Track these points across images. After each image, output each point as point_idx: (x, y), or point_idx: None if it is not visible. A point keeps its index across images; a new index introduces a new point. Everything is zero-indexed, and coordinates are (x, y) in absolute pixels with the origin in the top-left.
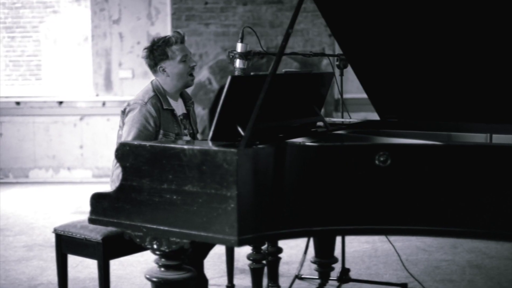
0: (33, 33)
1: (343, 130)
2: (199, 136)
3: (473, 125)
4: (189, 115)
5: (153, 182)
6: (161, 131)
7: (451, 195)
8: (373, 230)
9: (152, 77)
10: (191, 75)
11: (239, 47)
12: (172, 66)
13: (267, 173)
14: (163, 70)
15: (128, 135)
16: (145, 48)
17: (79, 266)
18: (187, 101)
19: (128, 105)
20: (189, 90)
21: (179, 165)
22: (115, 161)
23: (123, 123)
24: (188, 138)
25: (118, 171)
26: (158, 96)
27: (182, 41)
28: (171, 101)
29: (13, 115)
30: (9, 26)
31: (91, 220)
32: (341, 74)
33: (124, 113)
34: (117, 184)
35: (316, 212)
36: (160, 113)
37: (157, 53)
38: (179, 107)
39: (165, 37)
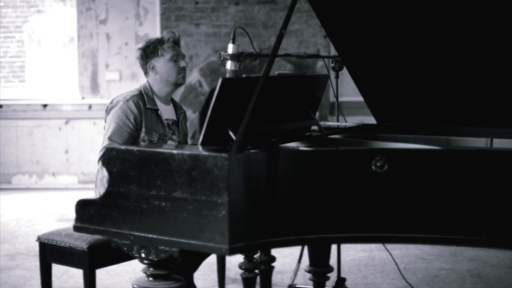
0: (16, 34)
1: (338, 135)
2: (189, 140)
3: (473, 129)
4: (178, 123)
5: (141, 188)
6: (143, 129)
7: (451, 202)
8: (370, 238)
9: (140, 80)
10: (181, 74)
11: (231, 49)
12: (161, 64)
13: (259, 179)
14: (153, 68)
15: (107, 132)
16: (138, 48)
17: (64, 275)
18: (178, 109)
19: (111, 103)
20: (179, 92)
21: (168, 171)
22: (99, 165)
23: (106, 121)
24: (175, 144)
25: (101, 175)
26: (143, 95)
27: (175, 42)
28: (159, 103)
29: None
30: None
31: (76, 228)
32: (337, 77)
33: (107, 111)
34: (101, 189)
35: (310, 219)
36: (141, 111)
37: (149, 50)
38: (168, 112)
39: (159, 37)
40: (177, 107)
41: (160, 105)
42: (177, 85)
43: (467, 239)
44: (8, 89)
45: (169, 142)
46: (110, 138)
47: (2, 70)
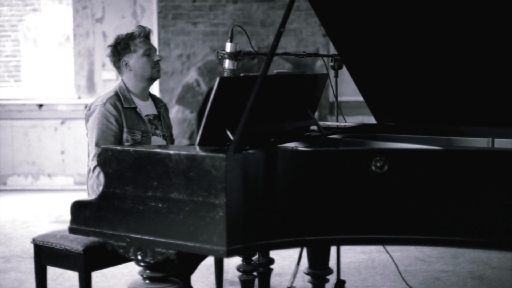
0: (12, 33)
1: (338, 135)
2: (185, 141)
3: (474, 129)
4: (159, 117)
5: (137, 190)
6: (125, 129)
7: (452, 203)
8: (370, 240)
9: None
10: (156, 68)
11: (229, 47)
12: (135, 60)
13: (257, 180)
14: (126, 65)
15: (92, 140)
16: (108, 46)
17: (59, 278)
18: (158, 103)
19: (89, 109)
20: (176, 92)
21: (164, 171)
22: (90, 173)
23: (87, 129)
24: (160, 138)
25: (92, 182)
26: (119, 95)
27: (146, 36)
28: (137, 100)
29: None
30: None
31: (71, 230)
32: (336, 76)
33: (85, 119)
34: (92, 195)
35: (309, 220)
36: (120, 111)
37: (120, 47)
38: (148, 107)
39: (129, 32)
40: (156, 100)
41: (138, 102)
42: (152, 79)
43: (468, 241)
44: (3, 89)
45: (154, 138)
46: (97, 145)
47: None
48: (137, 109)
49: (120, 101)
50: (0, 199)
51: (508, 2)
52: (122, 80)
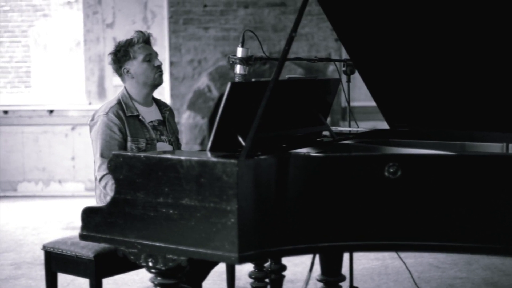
0: (22, 38)
1: (350, 140)
2: (197, 147)
3: (488, 134)
4: (164, 122)
5: (148, 196)
6: (129, 138)
7: (466, 209)
8: (383, 246)
9: None
10: (158, 73)
11: (240, 52)
12: (135, 66)
13: (269, 186)
14: (128, 72)
15: (96, 151)
16: (109, 54)
17: (70, 285)
18: (162, 108)
19: (92, 119)
20: (187, 97)
21: (175, 177)
22: (98, 178)
23: (91, 139)
24: (166, 144)
25: (99, 191)
26: (122, 104)
27: (146, 41)
28: (140, 107)
29: (0, 125)
30: None
31: (82, 236)
32: (348, 81)
33: (90, 128)
34: (99, 204)
35: (322, 227)
36: (124, 120)
37: (120, 54)
38: (152, 113)
39: (128, 38)
40: (160, 105)
41: (141, 109)
42: (155, 85)
43: (482, 247)
44: (13, 95)
45: (159, 144)
46: (102, 156)
47: (7, 76)
48: (140, 117)
49: (123, 110)
50: (11, 206)
51: None
52: (124, 87)
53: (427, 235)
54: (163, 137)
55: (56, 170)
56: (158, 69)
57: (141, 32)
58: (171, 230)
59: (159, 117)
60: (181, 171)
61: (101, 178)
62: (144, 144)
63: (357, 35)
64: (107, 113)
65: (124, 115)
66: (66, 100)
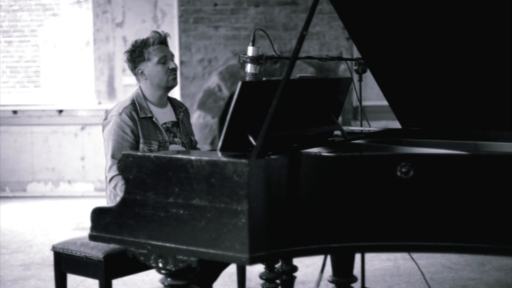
0: (32, 38)
1: (362, 140)
2: (207, 146)
3: (502, 133)
4: (178, 124)
5: (158, 196)
6: (141, 140)
7: (479, 209)
8: (395, 247)
9: None
10: (172, 76)
11: (251, 51)
12: (150, 68)
13: (280, 186)
14: (142, 73)
15: (108, 151)
16: (125, 52)
17: (79, 286)
18: (177, 108)
19: (105, 119)
20: (197, 97)
21: (186, 178)
22: (108, 179)
23: (103, 138)
24: (179, 146)
25: (109, 191)
26: (136, 105)
27: (162, 41)
28: (154, 108)
29: (10, 125)
30: (6, 30)
31: (92, 237)
32: (360, 80)
33: (102, 128)
34: (110, 204)
35: (333, 227)
36: (136, 122)
37: (135, 55)
38: (166, 114)
39: (144, 38)
40: (175, 106)
41: (155, 110)
42: (168, 88)
43: (495, 248)
44: (23, 95)
45: (172, 146)
46: (113, 157)
47: (17, 75)
48: (154, 119)
49: (136, 111)
50: (20, 206)
51: None
52: (139, 87)
53: (440, 235)
54: (176, 139)
55: (65, 170)
56: (173, 71)
57: (158, 32)
58: (182, 230)
59: (173, 118)
60: (191, 171)
61: (111, 179)
62: (156, 147)
63: (369, 34)
64: (120, 114)
65: (138, 116)
66: (76, 100)
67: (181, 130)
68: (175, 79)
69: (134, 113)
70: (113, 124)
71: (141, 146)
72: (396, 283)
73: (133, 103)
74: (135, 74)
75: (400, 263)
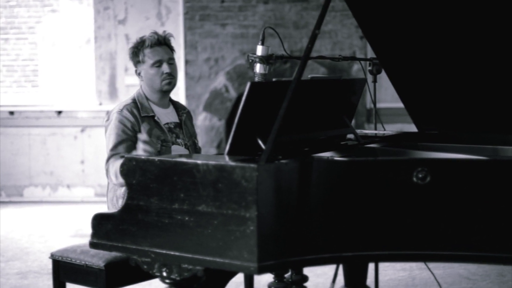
0: (29, 35)
1: (376, 144)
2: (213, 150)
3: None
4: (181, 125)
5: (162, 202)
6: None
7: (498, 217)
8: (411, 256)
9: None
10: (166, 80)
11: (260, 50)
12: (144, 71)
13: (290, 192)
14: (139, 74)
15: (108, 145)
16: (130, 48)
17: None
18: (180, 110)
19: (107, 119)
20: (203, 98)
21: (191, 183)
22: (109, 182)
23: (106, 139)
24: (181, 147)
25: (111, 194)
26: (137, 103)
27: (159, 43)
28: (156, 108)
29: (6, 126)
30: (3, 27)
31: (92, 244)
32: (374, 81)
33: (105, 128)
34: (111, 209)
35: (346, 235)
36: (138, 119)
37: (132, 55)
38: (168, 115)
39: (142, 38)
40: (178, 108)
41: (157, 110)
42: (163, 92)
43: None
44: (20, 95)
45: (174, 147)
46: (112, 149)
47: (13, 74)
48: (156, 118)
49: (138, 109)
50: (17, 212)
51: None
52: (141, 86)
53: (457, 244)
54: (178, 140)
55: (64, 174)
56: (168, 76)
57: (155, 34)
58: (187, 238)
59: (176, 119)
60: (197, 175)
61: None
62: (158, 146)
63: (384, 32)
64: (121, 110)
65: (139, 115)
66: (75, 100)
67: (184, 132)
68: (170, 83)
69: (135, 110)
70: (115, 120)
71: (141, 145)
72: None
73: (134, 101)
74: (136, 74)
75: (416, 273)
